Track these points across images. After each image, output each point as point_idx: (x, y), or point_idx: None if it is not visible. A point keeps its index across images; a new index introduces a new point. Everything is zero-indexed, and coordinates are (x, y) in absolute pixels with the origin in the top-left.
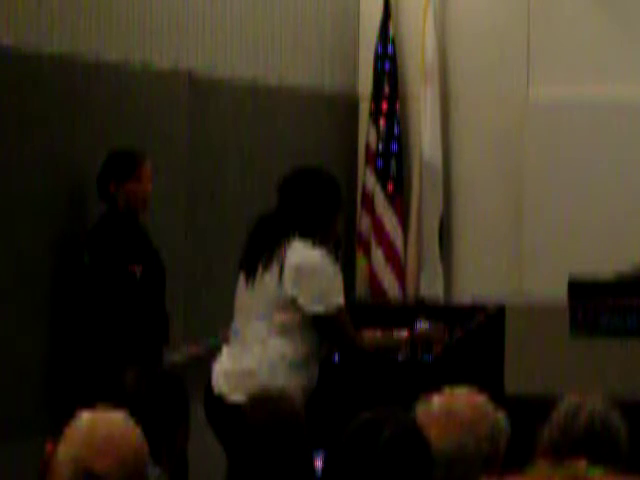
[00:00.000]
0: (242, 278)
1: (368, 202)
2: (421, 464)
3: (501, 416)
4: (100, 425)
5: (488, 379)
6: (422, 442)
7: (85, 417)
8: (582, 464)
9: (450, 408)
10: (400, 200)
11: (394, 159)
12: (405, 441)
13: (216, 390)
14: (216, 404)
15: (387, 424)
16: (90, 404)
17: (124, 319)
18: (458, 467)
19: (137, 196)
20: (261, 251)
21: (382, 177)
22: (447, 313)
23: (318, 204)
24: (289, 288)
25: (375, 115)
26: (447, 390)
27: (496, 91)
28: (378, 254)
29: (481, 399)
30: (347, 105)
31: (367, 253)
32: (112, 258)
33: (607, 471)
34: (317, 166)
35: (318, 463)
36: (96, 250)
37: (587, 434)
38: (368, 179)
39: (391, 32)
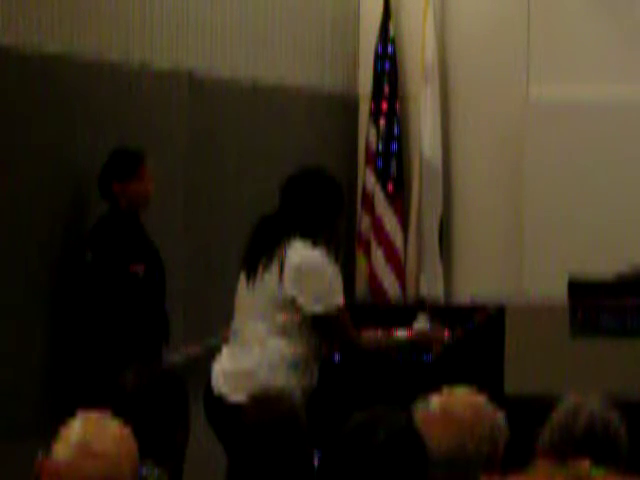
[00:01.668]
0: (242, 278)
1: (368, 202)
2: (416, 464)
3: (500, 416)
4: (93, 427)
5: (488, 379)
6: (417, 442)
7: (78, 420)
8: (585, 464)
9: (449, 408)
10: (400, 200)
11: (394, 159)
12: (400, 441)
13: (216, 390)
14: (216, 404)
15: (382, 424)
16: (91, 404)
17: (126, 318)
18: (457, 467)
19: (139, 195)
20: (262, 251)
21: (382, 177)
22: (447, 313)
23: (320, 206)
24: (289, 288)
25: (375, 115)
26: (446, 390)
27: (496, 91)
28: (378, 254)
29: (480, 399)
30: (347, 105)
31: (367, 253)
32: (115, 257)
33: (609, 471)
34: (320, 167)
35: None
36: (99, 249)
37: (587, 435)
38: (368, 179)
39: (391, 32)
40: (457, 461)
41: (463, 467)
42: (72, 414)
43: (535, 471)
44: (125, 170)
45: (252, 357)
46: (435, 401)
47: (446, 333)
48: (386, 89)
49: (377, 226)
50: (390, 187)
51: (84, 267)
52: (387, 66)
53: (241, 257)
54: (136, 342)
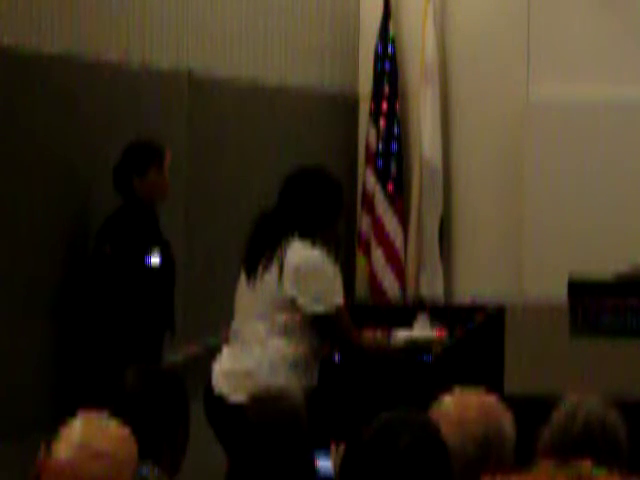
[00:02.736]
0: (243, 278)
1: (368, 202)
2: (440, 469)
3: (510, 417)
4: (93, 427)
5: (488, 379)
6: (441, 447)
7: (79, 419)
8: (587, 464)
9: (459, 408)
10: (400, 200)
11: (394, 159)
12: (425, 446)
13: (216, 390)
14: (216, 404)
15: (407, 428)
16: (94, 403)
17: (140, 310)
18: (461, 467)
19: (158, 187)
20: (261, 251)
21: (382, 177)
22: (447, 313)
23: (319, 205)
24: (289, 288)
25: (375, 115)
26: (457, 390)
27: (496, 91)
28: (378, 254)
29: (490, 399)
30: (347, 105)
31: (367, 253)
32: (134, 249)
33: (610, 471)
34: (319, 166)
35: (319, 463)
36: (118, 241)
37: (585, 435)
38: (368, 179)
39: (391, 32)
40: (464, 461)
41: (469, 467)
42: (74, 413)
43: (537, 471)
44: (145, 162)
45: (252, 357)
46: (446, 401)
47: (445, 333)
48: (386, 89)
49: (377, 226)
50: (390, 187)
51: (101, 258)
52: (387, 66)
53: (241, 257)
54: (145, 334)
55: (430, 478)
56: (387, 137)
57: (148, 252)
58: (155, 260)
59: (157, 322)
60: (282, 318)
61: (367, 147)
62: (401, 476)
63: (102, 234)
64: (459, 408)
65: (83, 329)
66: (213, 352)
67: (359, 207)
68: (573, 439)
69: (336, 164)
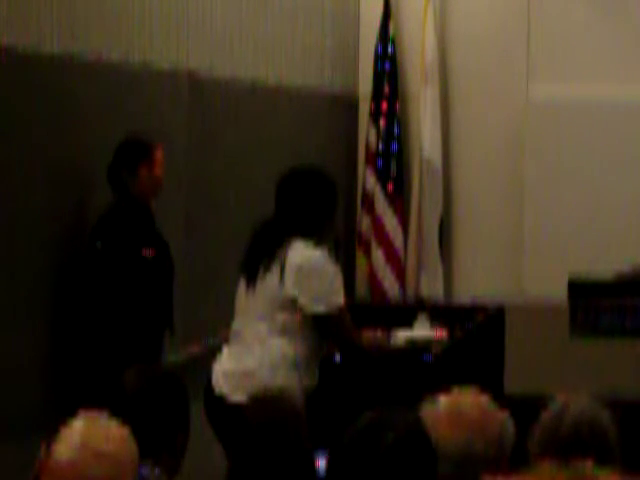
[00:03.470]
0: (243, 278)
1: (368, 202)
2: (425, 467)
3: (506, 416)
4: (94, 427)
5: (488, 379)
6: (426, 444)
7: (79, 420)
8: (589, 464)
9: (458, 408)
10: (400, 200)
11: (394, 159)
12: (409, 444)
13: (217, 390)
14: (217, 404)
15: (392, 425)
16: (93, 403)
17: (135, 304)
18: (464, 467)
19: (149, 184)
20: (262, 252)
21: (382, 177)
22: (447, 313)
23: (316, 204)
24: (290, 288)
25: (375, 115)
26: (455, 390)
27: (496, 91)
28: (378, 254)
29: (486, 399)
30: (347, 105)
31: (367, 253)
32: (125, 242)
33: (612, 471)
34: (311, 165)
35: (319, 463)
36: (109, 236)
37: (572, 435)
38: (368, 179)
39: (391, 32)
40: (465, 461)
41: (470, 467)
42: (74, 413)
43: (537, 471)
44: (135, 159)
45: (253, 357)
46: (443, 401)
47: (445, 333)
48: (386, 89)
49: (377, 226)
50: (390, 187)
51: (94, 255)
52: (387, 66)
53: (241, 258)
54: (143, 331)
55: (415, 476)
56: (387, 137)
57: (140, 248)
58: (148, 257)
59: (156, 321)
60: (283, 318)
61: (367, 147)
62: (386, 475)
63: (95, 232)
64: (456, 407)
65: (82, 328)
66: (213, 352)
67: (359, 207)
68: (561, 439)
69: (336, 164)
